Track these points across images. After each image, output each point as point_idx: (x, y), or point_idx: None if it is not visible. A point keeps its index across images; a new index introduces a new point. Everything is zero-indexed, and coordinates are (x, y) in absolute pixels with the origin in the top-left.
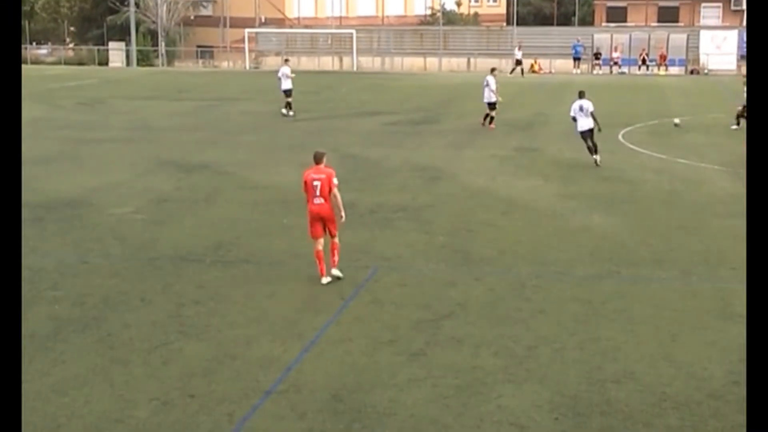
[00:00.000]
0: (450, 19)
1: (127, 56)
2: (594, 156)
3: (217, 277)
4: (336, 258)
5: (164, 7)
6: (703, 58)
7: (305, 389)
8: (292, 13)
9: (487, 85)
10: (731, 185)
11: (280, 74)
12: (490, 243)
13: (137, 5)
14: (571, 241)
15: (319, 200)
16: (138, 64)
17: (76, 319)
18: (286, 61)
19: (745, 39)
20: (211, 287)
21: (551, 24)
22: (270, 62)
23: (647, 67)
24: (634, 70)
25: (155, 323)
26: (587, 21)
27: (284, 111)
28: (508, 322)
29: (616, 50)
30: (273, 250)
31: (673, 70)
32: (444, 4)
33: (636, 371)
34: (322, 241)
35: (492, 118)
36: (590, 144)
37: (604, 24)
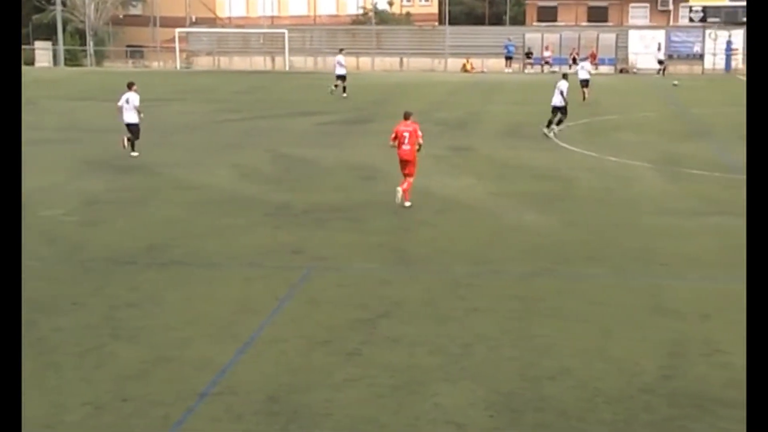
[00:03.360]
0: (382, 18)
1: (55, 56)
2: (546, 129)
3: (151, 279)
4: (408, 193)
5: (92, 6)
6: (632, 58)
7: (241, 391)
8: (223, 12)
9: (556, 87)
10: (662, 182)
11: (120, 103)
12: (426, 242)
13: (64, 4)
14: (506, 240)
15: (406, 147)
16: (66, 64)
17: None
18: (131, 85)
19: (672, 39)
20: (145, 289)
21: (483, 23)
22: (201, 62)
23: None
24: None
25: (88, 326)
26: (519, 20)
27: (126, 145)
28: (444, 320)
29: (547, 49)
30: (208, 251)
31: (603, 69)
32: (376, 3)
33: (570, 367)
34: (409, 179)
35: (558, 122)
36: (553, 118)
37: (535, 23)
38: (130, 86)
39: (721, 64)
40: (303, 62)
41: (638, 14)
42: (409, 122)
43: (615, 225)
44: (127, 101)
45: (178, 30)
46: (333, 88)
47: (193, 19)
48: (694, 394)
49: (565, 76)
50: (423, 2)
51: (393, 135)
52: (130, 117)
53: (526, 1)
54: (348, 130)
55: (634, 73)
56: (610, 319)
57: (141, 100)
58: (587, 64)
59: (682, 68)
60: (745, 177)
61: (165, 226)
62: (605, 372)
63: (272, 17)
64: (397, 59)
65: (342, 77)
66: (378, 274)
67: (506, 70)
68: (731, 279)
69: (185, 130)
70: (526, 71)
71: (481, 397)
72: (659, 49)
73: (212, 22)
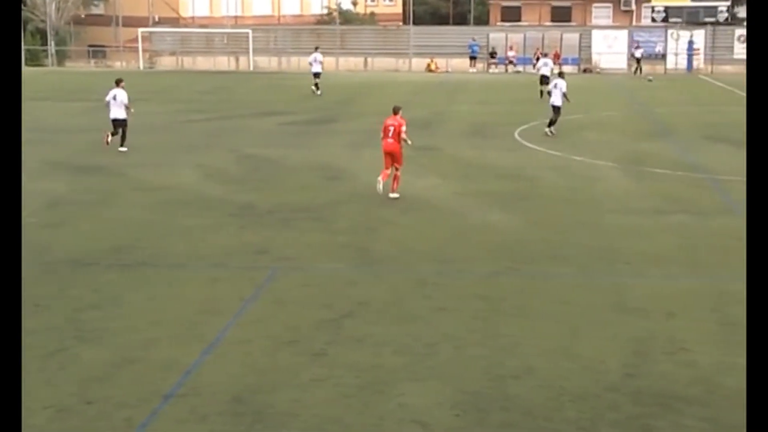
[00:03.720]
0: (347, 18)
1: None
2: (549, 129)
3: (115, 281)
4: (396, 185)
5: (53, 5)
6: (595, 57)
7: (206, 392)
8: (186, 12)
9: (556, 87)
10: (625, 181)
11: (107, 99)
12: (391, 241)
13: (24, 3)
14: (471, 239)
15: (390, 140)
16: (26, 64)
17: None
18: (119, 82)
19: (635, 38)
20: (108, 291)
21: (448, 23)
22: (165, 62)
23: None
24: (529, 68)
25: (51, 329)
26: (483, 20)
27: (109, 142)
28: (410, 320)
29: (511, 49)
30: (172, 252)
31: (567, 68)
32: (340, 3)
33: (536, 366)
34: (388, 172)
35: (552, 122)
36: (554, 117)
37: (499, 23)
38: (118, 83)
39: (683, 64)
40: (267, 62)
41: (601, 14)
42: (396, 117)
43: (579, 224)
44: (115, 98)
45: (141, 30)
46: (314, 88)
47: (156, 19)
48: (659, 393)
49: (561, 75)
50: (387, 2)
51: (383, 128)
52: (118, 113)
53: (490, 1)
54: (312, 130)
55: (598, 72)
56: (574, 318)
57: (103, 100)
58: (549, 61)
59: (644, 68)
60: (707, 176)
61: (129, 227)
62: (570, 371)
63: (236, 17)
64: (361, 59)
65: (317, 75)
66: (343, 273)
67: (471, 70)
68: (694, 277)
69: (149, 130)
70: (490, 71)
71: (446, 397)
72: (637, 47)
73: (175, 21)
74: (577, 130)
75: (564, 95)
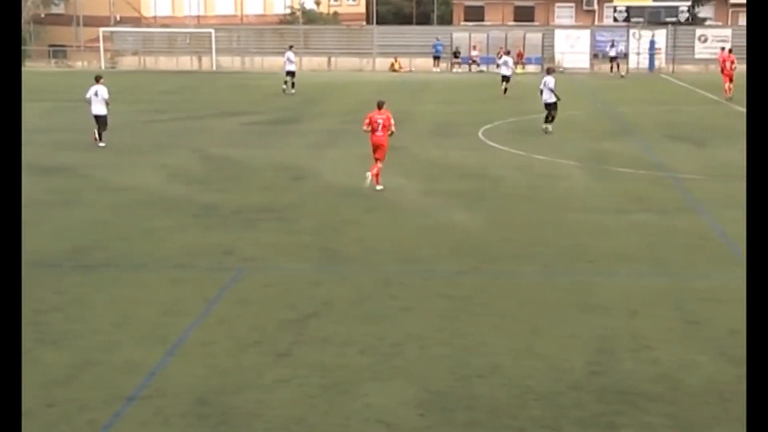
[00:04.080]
0: (310, 18)
1: None
2: (546, 125)
3: (77, 282)
4: (378, 175)
5: None
6: (558, 57)
7: (169, 394)
8: (148, 11)
9: (545, 85)
10: (587, 180)
11: (88, 95)
12: (356, 241)
13: None
14: (436, 238)
15: (379, 133)
16: None
17: None
18: (98, 78)
19: (597, 38)
20: (70, 293)
21: (411, 23)
22: (126, 62)
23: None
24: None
25: None
26: (446, 20)
27: (97, 138)
28: (374, 319)
29: (474, 49)
30: (135, 253)
31: (530, 68)
32: (303, 3)
33: (500, 365)
34: (379, 166)
35: (553, 118)
36: (552, 113)
37: (462, 23)
38: (97, 79)
39: (645, 63)
40: (230, 62)
41: (564, 14)
42: (382, 111)
43: (542, 223)
44: (96, 94)
45: (102, 29)
46: (284, 86)
47: (118, 19)
48: (623, 390)
49: (548, 71)
50: (350, 2)
51: (367, 121)
52: (99, 109)
53: (454, 1)
54: (276, 130)
55: (561, 72)
56: (539, 317)
57: (76, 99)
58: (509, 60)
59: (606, 67)
60: (669, 175)
61: (91, 229)
62: (535, 369)
63: (198, 17)
64: (325, 59)
65: (291, 73)
66: (308, 274)
67: (434, 70)
68: (657, 275)
69: (111, 130)
70: (454, 71)
71: (411, 396)
72: (612, 45)
73: (137, 21)
74: (541, 130)
75: (552, 91)
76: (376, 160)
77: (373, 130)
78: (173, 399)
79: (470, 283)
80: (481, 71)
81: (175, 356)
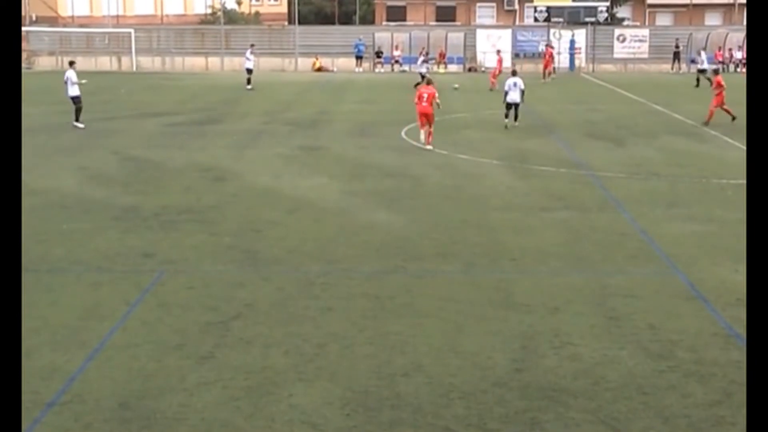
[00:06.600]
0: (231, 18)
1: None
2: (509, 120)
3: None
4: (430, 139)
5: None
6: (480, 56)
7: (90, 399)
8: (65, 11)
9: (516, 86)
10: (509, 179)
11: (65, 79)
12: (278, 242)
13: None
14: (358, 238)
15: (425, 103)
16: None
17: None
18: (72, 63)
19: (518, 38)
20: None
21: (333, 23)
22: (43, 62)
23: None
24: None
25: None
26: (368, 20)
27: (75, 123)
28: (298, 320)
29: (396, 49)
30: (52, 257)
31: (452, 68)
32: (224, 3)
33: (424, 364)
34: (426, 128)
35: (516, 116)
36: (514, 113)
37: (384, 23)
38: (71, 64)
39: (565, 63)
40: (150, 62)
41: (485, 14)
42: (429, 86)
43: (464, 221)
44: (68, 78)
45: None
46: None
47: (33, 18)
48: (545, 387)
49: (514, 73)
50: (272, 2)
51: (417, 94)
52: (73, 90)
53: (375, 1)
54: (197, 131)
55: (483, 71)
56: (461, 315)
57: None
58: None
59: (527, 66)
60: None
61: None
62: (458, 367)
63: (117, 16)
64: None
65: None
66: (230, 275)
67: (357, 70)
68: (577, 272)
69: (26, 132)
70: (376, 71)
71: (336, 396)
72: (572, 46)
73: (54, 20)
74: (462, 129)
75: (522, 92)
76: (428, 124)
77: (420, 101)
78: (94, 404)
79: (393, 282)
80: (404, 71)
81: (95, 360)
